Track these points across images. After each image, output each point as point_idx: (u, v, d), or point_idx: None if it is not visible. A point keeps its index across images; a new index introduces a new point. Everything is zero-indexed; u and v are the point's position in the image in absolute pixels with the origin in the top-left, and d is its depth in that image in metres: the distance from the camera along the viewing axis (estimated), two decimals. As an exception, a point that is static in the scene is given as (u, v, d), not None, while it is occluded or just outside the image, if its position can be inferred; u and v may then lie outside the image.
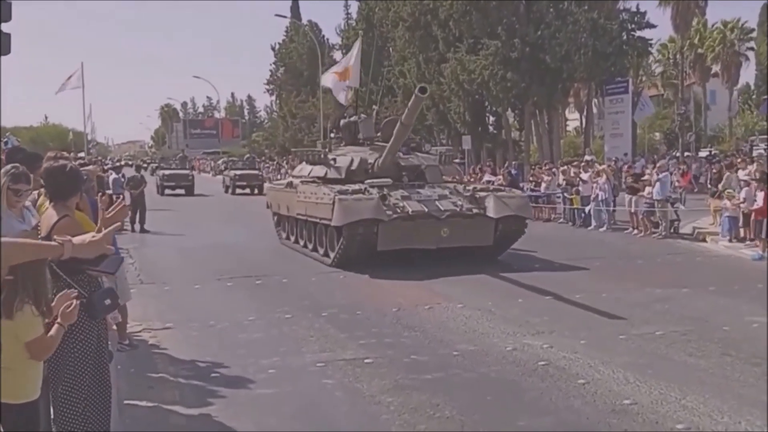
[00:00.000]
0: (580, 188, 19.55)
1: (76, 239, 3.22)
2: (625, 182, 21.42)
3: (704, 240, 15.93)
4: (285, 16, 62.48)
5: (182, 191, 36.47)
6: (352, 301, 9.89)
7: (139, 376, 6.70)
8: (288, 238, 15.79)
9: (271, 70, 69.94)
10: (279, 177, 39.06)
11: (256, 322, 8.74)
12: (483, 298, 9.91)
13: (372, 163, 14.02)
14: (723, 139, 51.07)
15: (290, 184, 15.49)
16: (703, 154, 40.00)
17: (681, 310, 9.04)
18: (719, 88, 54.06)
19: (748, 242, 14.58)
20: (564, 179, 20.93)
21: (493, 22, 33.06)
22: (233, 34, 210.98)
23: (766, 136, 36.09)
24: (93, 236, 3.34)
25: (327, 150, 15.60)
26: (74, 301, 3.43)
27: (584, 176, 19.75)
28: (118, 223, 3.91)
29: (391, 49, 41.62)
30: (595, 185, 18.82)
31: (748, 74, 55.70)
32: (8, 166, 4.42)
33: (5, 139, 19.45)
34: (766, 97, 39.23)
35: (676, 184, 20.89)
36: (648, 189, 17.28)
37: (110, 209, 4.17)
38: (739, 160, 20.30)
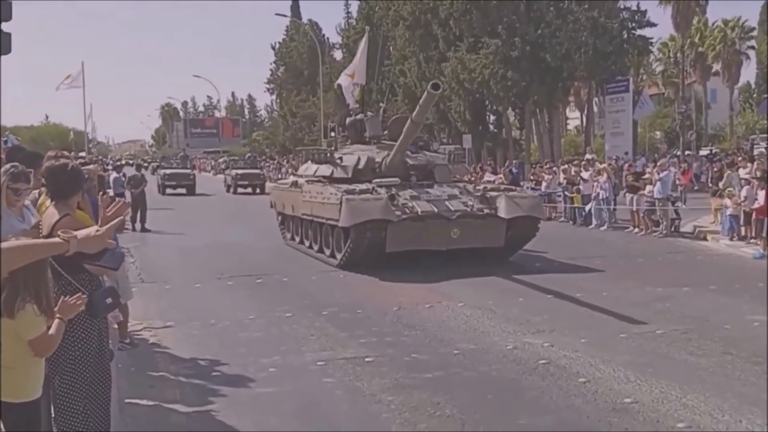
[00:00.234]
0: (581, 187, 19.55)
1: (80, 233, 3.22)
2: (625, 181, 21.40)
3: (705, 239, 15.94)
4: (285, 16, 62.71)
5: (183, 191, 36.23)
6: (353, 300, 9.88)
7: (139, 374, 6.71)
8: (293, 238, 15.42)
9: (271, 70, 70.23)
10: (280, 176, 39.05)
11: (256, 321, 8.74)
12: (483, 296, 9.91)
13: (379, 162, 13.66)
14: (724, 137, 50.99)
15: (295, 184, 15.16)
16: (703, 152, 39.95)
17: (682, 309, 9.03)
18: (720, 86, 54.05)
19: (749, 241, 14.58)
20: (565, 178, 20.92)
21: (494, 21, 33.05)
22: (233, 33, 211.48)
23: (766, 135, 36.04)
24: (97, 230, 3.35)
25: (333, 149, 15.29)
26: (80, 295, 3.45)
27: (585, 175, 19.75)
28: (121, 217, 3.89)
29: (391, 48, 41.60)
30: (595, 184, 18.82)
31: (748, 73, 55.86)
32: (7, 165, 4.41)
33: (5, 138, 19.41)
34: (766, 95, 39.26)
35: (677, 182, 20.87)
36: (649, 188, 17.29)
37: (110, 207, 4.16)
38: (739, 158, 20.28)
